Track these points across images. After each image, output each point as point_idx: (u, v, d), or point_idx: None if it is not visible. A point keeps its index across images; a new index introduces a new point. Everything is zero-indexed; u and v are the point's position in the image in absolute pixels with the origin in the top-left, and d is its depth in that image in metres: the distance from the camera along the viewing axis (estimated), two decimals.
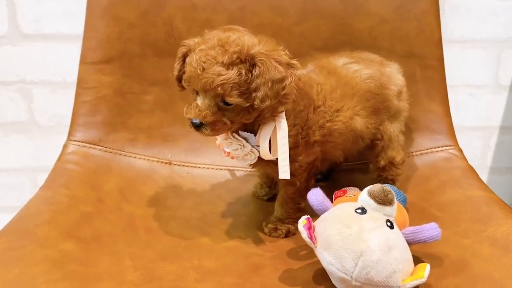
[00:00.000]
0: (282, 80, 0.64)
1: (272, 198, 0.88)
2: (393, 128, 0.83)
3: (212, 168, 0.96)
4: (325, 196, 0.68)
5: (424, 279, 0.57)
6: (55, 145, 0.96)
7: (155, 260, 0.69)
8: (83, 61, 0.94)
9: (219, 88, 0.64)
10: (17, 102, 1.13)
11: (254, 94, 0.64)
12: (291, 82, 0.65)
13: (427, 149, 0.95)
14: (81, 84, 0.94)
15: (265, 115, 0.69)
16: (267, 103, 0.64)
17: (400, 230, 0.66)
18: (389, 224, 0.61)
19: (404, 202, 0.79)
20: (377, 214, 0.61)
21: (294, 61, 0.67)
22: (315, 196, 0.67)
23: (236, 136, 0.72)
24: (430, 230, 0.64)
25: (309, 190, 0.71)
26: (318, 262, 0.63)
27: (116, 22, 0.93)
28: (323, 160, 0.80)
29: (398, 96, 0.83)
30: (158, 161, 0.95)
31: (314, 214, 0.67)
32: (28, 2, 1.05)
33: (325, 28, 0.96)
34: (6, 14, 1.05)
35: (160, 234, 0.77)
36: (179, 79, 0.70)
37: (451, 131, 0.96)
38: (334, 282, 0.62)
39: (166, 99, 0.96)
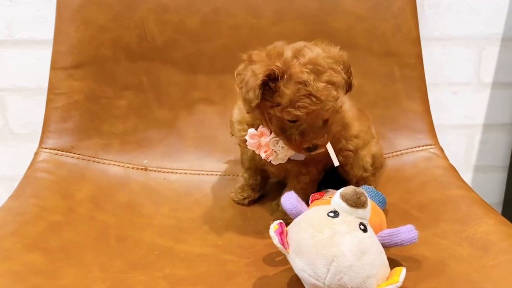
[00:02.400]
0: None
1: (253, 202, 0.87)
2: (365, 152, 0.81)
3: (190, 173, 0.94)
4: (299, 200, 0.66)
5: (399, 284, 0.55)
6: (31, 153, 0.93)
7: (125, 271, 0.67)
8: (53, 67, 0.92)
9: (340, 110, 0.66)
10: None
11: (352, 81, 0.67)
12: None
13: (408, 149, 0.94)
14: (52, 90, 0.92)
15: None
16: None
17: (377, 232, 0.64)
18: (362, 227, 0.59)
19: (383, 203, 0.77)
20: (350, 218, 0.59)
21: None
22: (289, 199, 0.65)
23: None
24: (406, 232, 0.62)
25: (318, 181, 0.76)
26: None
27: (86, 26, 0.91)
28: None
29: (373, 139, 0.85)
30: (133, 168, 0.93)
31: None
32: None
33: (301, 28, 0.94)
34: None
35: (133, 243, 0.75)
36: (258, 105, 0.65)
37: (431, 130, 0.95)
38: None
39: (140, 104, 0.95)
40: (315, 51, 0.64)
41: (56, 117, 0.91)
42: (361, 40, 0.94)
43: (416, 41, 0.95)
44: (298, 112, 0.63)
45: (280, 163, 0.74)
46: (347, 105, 0.79)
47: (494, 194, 1.26)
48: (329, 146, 0.72)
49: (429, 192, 0.82)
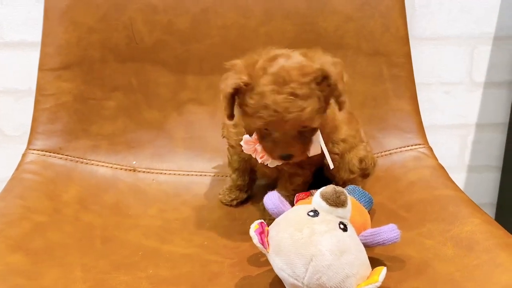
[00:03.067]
0: (342, 77, 0.66)
1: (240, 203, 0.87)
2: (351, 155, 0.81)
3: (179, 174, 0.94)
4: (282, 199, 0.66)
5: (378, 283, 0.55)
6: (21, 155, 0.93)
7: (107, 271, 0.67)
8: (41, 68, 0.91)
9: (307, 121, 0.64)
10: None
11: (339, 100, 0.65)
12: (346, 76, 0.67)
13: (396, 149, 0.93)
14: (40, 92, 0.91)
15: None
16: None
17: (360, 232, 0.64)
18: (342, 226, 0.59)
19: (369, 203, 0.77)
20: (329, 217, 0.59)
21: (336, 59, 0.67)
22: (271, 199, 0.65)
23: None
24: (388, 232, 0.62)
25: (310, 182, 0.77)
26: None
27: (74, 27, 0.91)
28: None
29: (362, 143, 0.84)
30: (122, 169, 0.92)
31: None
32: None
33: (290, 28, 0.95)
34: None
35: (118, 243, 0.74)
36: (231, 115, 0.68)
37: (420, 130, 0.94)
38: None
39: (129, 105, 0.94)
40: (284, 62, 0.64)
41: (44, 118, 0.91)
42: (350, 40, 0.94)
43: (405, 40, 0.95)
44: (258, 122, 0.64)
45: (275, 167, 0.75)
46: (335, 110, 0.78)
47: (488, 194, 1.26)
48: (325, 149, 0.72)
49: (417, 192, 0.82)
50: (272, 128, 0.66)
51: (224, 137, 0.82)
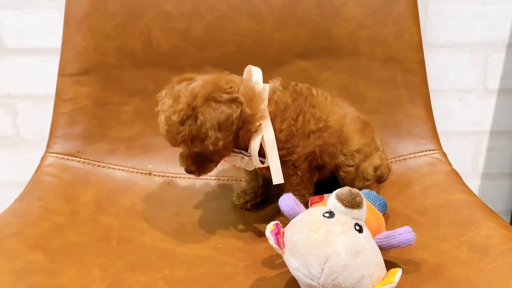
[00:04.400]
0: (227, 118, 0.68)
1: (254, 206, 0.87)
2: (366, 164, 0.82)
3: (193, 178, 0.94)
4: (297, 201, 0.67)
5: (394, 284, 0.55)
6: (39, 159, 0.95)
7: (124, 271, 0.68)
8: (61, 73, 0.94)
9: (181, 144, 0.70)
10: (2, 117, 1.13)
11: (206, 142, 0.68)
12: (238, 116, 0.69)
13: (410, 154, 0.93)
14: (59, 96, 0.93)
15: (244, 138, 0.73)
16: (221, 144, 0.69)
17: (375, 235, 0.64)
18: (357, 227, 0.59)
19: (383, 207, 0.77)
20: (345, 218, 0.59)
21: (236, 95, 0.69)
22: (286, 201, 0.65)
23: (235, 151, 0.75)
24: (403, 234, 0.62)
25: (312, 182, 0.79)
26: None
27: (92, 33, 0.93)
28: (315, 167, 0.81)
29: (377, 151, 0.84)
30: (138, 172, 0.94)
31: None
32: (11, 18, 1.06)
33: (303, 35, 0.95)
34: None
35: (134, 245, 0.75)
36: None
37: (434, 135, 0.95)
38: None
39: (146, 110, 0.95)
40: (176, 91, 0.70)
41: (63, 122, 0.93)
42: (363, 46, 0.95)
43: (418, 47, 0.95)
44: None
45: (264, 172, 0.78)
46: (348, 118, 0.81)
47: (502, 202, 1.25)
48: (272, 162, 0.73)
49: (431, 197, 0.82)
50: (171, 145, 0.72)
51: None
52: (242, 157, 0.75)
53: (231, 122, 0.68)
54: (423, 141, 0.94)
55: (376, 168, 0.82)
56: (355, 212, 0.60)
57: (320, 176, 0.83)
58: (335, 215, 0.60)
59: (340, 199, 0.60)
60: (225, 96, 0.69)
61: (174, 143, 0.70)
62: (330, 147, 0.79)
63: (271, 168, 0.72)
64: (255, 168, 0.77)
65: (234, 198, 0.88)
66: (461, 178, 0.87)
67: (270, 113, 0.73)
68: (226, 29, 0.95)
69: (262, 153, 0.74)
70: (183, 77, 0.72)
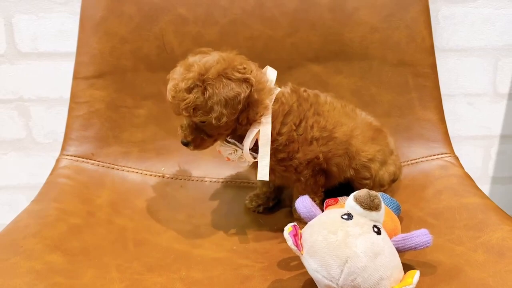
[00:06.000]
0: (235, 96, 0.69)
1: (267, 210, 0.88)
2: (383, 171, 0.82)
3: (206, 181, 0.95)
4: (313, 204, 0.67)
5: (413, 286, 0.55)
6: (52, 162, 0.95)
7: (142, 272, 0.68)
8: (76, 76, 0.95)
9: (183, 111, 0.71)
10: (15, 120, 1.14)
11: (209, 115, 0.70)
12: (246, 96, 0.70)
13: (423, 158, 0.94)
14: (74, 99, 0.95)
15: (242, 124, 0.74)
16: (224, 120, 0.70)
17: (391, 237, 0.64)
18: (376, 229, 0.60)
19: (397, 210, 0.78)
20: (363, 220, 0.60)
21: (248, 76, 0.71)
22: (303, 203, 0.66)
23: (229, 141, 0.77)
24: (420, 236, 0.63)
25: (319, 186, 0.79)
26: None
27: (108, 37, 0.94)
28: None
29: (391, 155, 0.84)
30: (151, 175, 0.95)
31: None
32: (25, 22, 1.07)
33: (315, 39, 0.96)
34: (4, 33, 1.07)
35: (150, 246, 0.76)
36: None
37: (446, 139, 0.95)
38: None
39: (159, 113, 0.97)
40: (190, 61, 0.72)
41: (78, 125, 0.94)
42: (375, 50, 0.96)
43: (430, 51, 0.96)
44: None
45: (272, 172, 0.77)
46: (357, 129, 0.80)
47: None
48: (261, 157, 0.73)
49: (444, 200, 0.82)
50: (174, 113, 0.73)
51: None
52: (235, 149, 0.76)
53: (238, 101, 0.69)
54: (435, 144, 0.94)
55: (391, 173, 0.83)
56: (374, 214, 0.60)
57: (328, 184, 0.82)
58: (353, 217, 0.60)
59: (359, 201, 0.60)
60: (237, 75, 0.70)
61: (177, 111, 0.72)
62: (336, 158, 0.79)
63: (259, 162, 0.73)
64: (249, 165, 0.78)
65: (247, 201, 0.89)
66: (473, 181, 0.88)
67: (273, 111, 0.74)
68: (238, 33, 0.96)
69: (257, 150, 0.75)
70: (199, 50, 0.74)
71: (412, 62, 0.95)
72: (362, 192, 0.61)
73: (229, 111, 0.70)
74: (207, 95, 0.69)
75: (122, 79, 0.95)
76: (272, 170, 0.76)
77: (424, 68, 0.96)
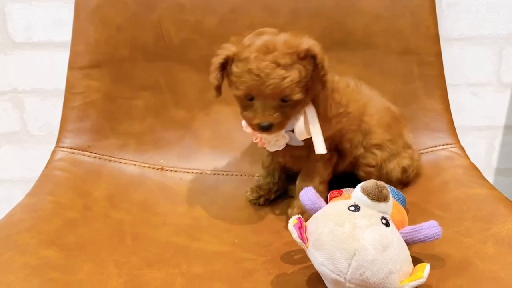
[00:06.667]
0: (326, 59, 0.69)
1: (268, 202, 0.86)
2: (393, 165, 0.80)
3: (206, 173, 0.93)
4: (318, 196, 0.65)
5: (423, 279, 0.53)
6: (48, 155, 0.93)
7: (141, 267, 0.66)
8: (71, 66, 0.92)
9: (287, 90, 0.67)
10: (9, 112, 1.11)
11: (324, 79, 0.69)
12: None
13: (428, 148, 0.92)
14: (69, 90, 0.92)
15: (307, 101, 0.73)
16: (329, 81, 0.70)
17: (399, 229, 0.62)
18: (384, 221, 0.58)
19: (403, 202, 0.76)
20: (371, 211, 0.58)
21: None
22: (307, 195, 0.64)
23: None
24: (429, 228, 0.61)
25: (332, 163, 0.78)
26: (313, 265, 0.59)
27: (104, 25, 0.91)
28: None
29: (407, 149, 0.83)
30: (149, 167, 0.92)
31: None
32: (18, 11, 1.04)
33: (317, 27, 0.94)
34: None
35: (148, 240, 0.74)
36: (218, 87, 0.73)
37: (452, 129, 0.93)
38: (327, 284, 0.58)
39: (157, 104, 0.95)
40: (270, 36, 0.69)
41: (73, 116, 0.91)
42: (379, 38, 0.93)
43: (435, 39, 0.94)
44: (241, 87, 0.68)
45: (286, 155, 0.77)
46: (373, 108, 0.79)
47: None
48: (315, 133, 0.72)
49: (451, 191, 0.80)
50: (254, 94, 0.68)
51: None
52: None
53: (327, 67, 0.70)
54: (440, 134, 0.92)
55: (404, 170, 0.80)
56: (382, 205, 0.58)
57: (340, 167, 0.81)
58: (360, 208, 0.58)
59: (366, 192, 0.58)
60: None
61: (273, 90, 0.67)
62: (350, 133, 0.78)
63: (315, 138, 0.72)
64: (274, 158, 0.78)
65: (248, 193, 0.87)
66: (480, 172, 0.86)
67: None
68: (238, 21, 0.93)
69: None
70: (260, 31, 0.70)
71: (417, 50, 0.93)
72: (369, 183, 0.59)
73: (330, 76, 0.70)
74: (319, 60, 0.68)
75: (119, 69, 0.93)
76: (285, 151, 0.76)
77: (429, 57, 0.93)
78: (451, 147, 0.91)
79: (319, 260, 0.56)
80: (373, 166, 0.79)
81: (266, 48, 0.67)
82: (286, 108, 0.70)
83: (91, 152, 0.91)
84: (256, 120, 0.70)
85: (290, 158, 0.79)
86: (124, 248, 0.71)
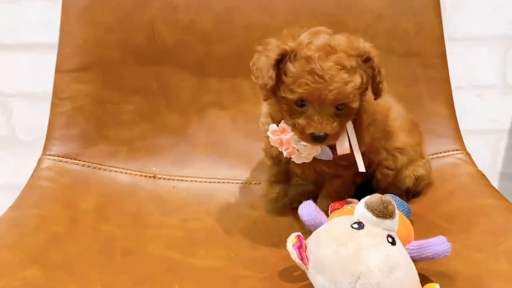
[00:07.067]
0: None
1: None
2: (409, 172, 0.77)
3: (201, 181, 0.90)
4: (318, 210, 0.61)
5: None
6: (36, 161, 0.89)
7: (130, 287, 0.62)
8: (58, 69, 0.88)
9: (350, 96, 0.61)
10: None
11: (380, 86, 0.64)
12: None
13: (432, 155, 0.87)
14: (57, 94, 0.88)
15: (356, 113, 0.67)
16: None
17: (405, 245, 0.58)
18: (390, 240, 0.54)
19: (407, 214, 0.72)
20: (376, 229, 0.54)
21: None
22: (307, 209, 0.60)
23: None
24: (438, 245, 0.57)
25: (355, 185, 0.73)
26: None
27: (93, 26, 0.88)
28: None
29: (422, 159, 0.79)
30: (141, 175, 0.88)
31: None
32: (5, 11, 1.01)
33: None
34: None
35: (139, 256, 0.70)
36: (272, 88, 0.64)
37: (457, 134, 0.90)
38: None
39: (149, 109, 0.91)
40: (329, 36, 0.63)
41: (61, 122, 0.88)
42: (381, 39, 0.89)
43: (440, 40, 0.90)
44: (299, 90, 0.61)
45: (309, 166, 0.71)
46: (395, 113, 0.76)
47: None
48: (355, 147, 0.67)
49: (458, 201, 0.77)
50: (312, 98, 0.61)
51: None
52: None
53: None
54: (445, 140, 0.89)
55: (417, 179, 0.76)
56: (387, 222, 0.54)
57: (359, 179, 0.77)
58: (364, 226, 0.54)
59: (371, 208, 0.54)
60: None
61: (337, 95, 0.60)
62: (376, 142, 0.73)
63: (356, 153, 0.67)
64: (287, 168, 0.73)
65: (265, 196, 0.82)
66: (488, 181, 0.82)
67: None
68: (234, 22, 0.89)
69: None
70: (316, 30, 0.64)
71: (421, 52, 0.89)
72: (373, 198, 0.55)
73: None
74: (376, 64, 0.63)
75: (109, 72, 0.89)
76: (309, 164, 0.70)
77: (433, 59, 0.90)
78: (457, 153, 0.88)
79: (320, 283, 0.52)
80: (392, 169, 0.75)
81: (330, 47, 0.60)
82: (341, 117, 0.64)
83: (79, 160, 0.87)
84: (311, 129, 0.62)
85: (312, 172, 0.73)
86: (113, 266, 0.67)
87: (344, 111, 0.63)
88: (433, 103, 0.90)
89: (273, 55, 0.62)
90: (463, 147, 0.89)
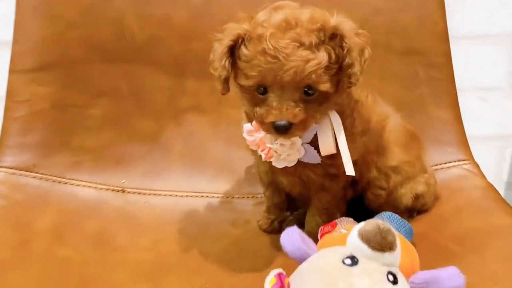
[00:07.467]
0: (363, 50, 0.58)
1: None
2: (405, 190, 0.71)
3: (176, 195, 0.85)
4: (304, 237, 0.52)
5: None
6: None
7: None
8: (13, 69, 0.85)
9: (313, 76, 0.55)
10: None
11: (349, 71, 0.57)
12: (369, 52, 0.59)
13: (437, 165, 0.84)
14: (11, 98, 0.85)
15: (336, 102, 0.61)
16: (360, 79, 0.57)
17: (408, 277, 0.50)
18: (391, 278, 0.45)
19: (410, 235, 0.65)
20: (373, 265, 0.45)
21: (361, 30, 0.59)
22: (290, 238, 0.50)
23: None
24: (449, 279, 0.48)
25: (345, 200, 0.69)
26: None
27: (53, 21, 0.84)
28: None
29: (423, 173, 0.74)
30: (108, 189, 0.84)
31: None
32: None
33: None
34: None
35: (99, 286, 0.63)
36: (227, 79, 0.59)
37: (464, 142, 0.86)
38: None
39: (118, 113, 0.87)
40: (292, 10, 0.57)
41: (16, 129, 0.84)
42: (379, 36, 0.85)
43: (444, 37, 0.87)
44: (253, 73, 0.56)
45: (293, 172, 0.65)
46: (392, 124, 0.71)
47: None
48: (342, 146, 0.61)
49: (468, 219, 0.72)
50: (269, 82, 0.56)
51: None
52: (293, 140, 0.62)
53: (366, 58, 0.58)
54: (451, 149, 0.86)
55: (417, 197, 0.71)
56: (387, 256, 0.45)
57: (352, 194, 0.71)
58: (359, 261, 0.45)
59: (366, 239, 0.45)
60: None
61: (294, 76, 0.54)
62: (368, 156, 0.68)
63: (343, 154, 0.61)
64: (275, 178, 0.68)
65: (260, 222, 0.76)
66: (500, 195, 0.78)
67: None
68: (213, 15, 0.85)
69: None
70: (276, 5, 0.58)
71: (423, 50, 0.86)
72: (369, 226, 0.45)
73: (362, 69, 0.57)
74: (348, 45, 0.55)
75: (71, 73, 0.85)
76: (294, 169, 0.64)
77: (436, 57, 0.87)
78: (464, 163, 0.84)
79: None
80: (384, 189, 0.69)
81: (287, 23, 0.55)
82: (310, 103, 0.57)
83: (36, 173, 0.83)
84: (270, 117, 0.56)
85: (297, 181, 0.67)
86: None
87: (315, 96, 0.57)
88: (437, 107, 0.87)
89: (226, 41, 0.57)
90: (470, 157, 0.86)
